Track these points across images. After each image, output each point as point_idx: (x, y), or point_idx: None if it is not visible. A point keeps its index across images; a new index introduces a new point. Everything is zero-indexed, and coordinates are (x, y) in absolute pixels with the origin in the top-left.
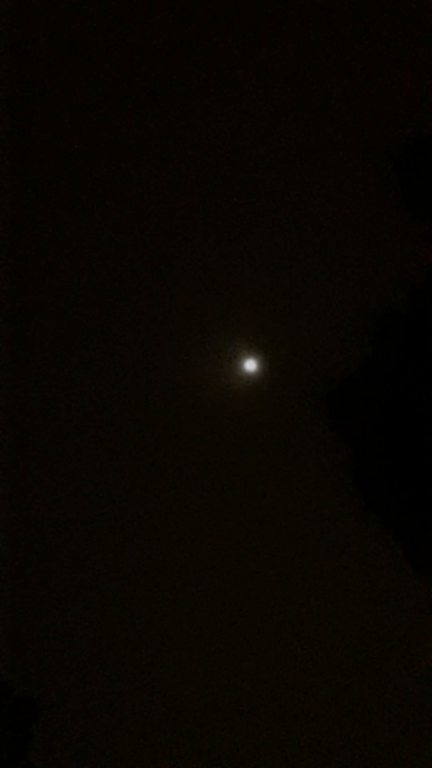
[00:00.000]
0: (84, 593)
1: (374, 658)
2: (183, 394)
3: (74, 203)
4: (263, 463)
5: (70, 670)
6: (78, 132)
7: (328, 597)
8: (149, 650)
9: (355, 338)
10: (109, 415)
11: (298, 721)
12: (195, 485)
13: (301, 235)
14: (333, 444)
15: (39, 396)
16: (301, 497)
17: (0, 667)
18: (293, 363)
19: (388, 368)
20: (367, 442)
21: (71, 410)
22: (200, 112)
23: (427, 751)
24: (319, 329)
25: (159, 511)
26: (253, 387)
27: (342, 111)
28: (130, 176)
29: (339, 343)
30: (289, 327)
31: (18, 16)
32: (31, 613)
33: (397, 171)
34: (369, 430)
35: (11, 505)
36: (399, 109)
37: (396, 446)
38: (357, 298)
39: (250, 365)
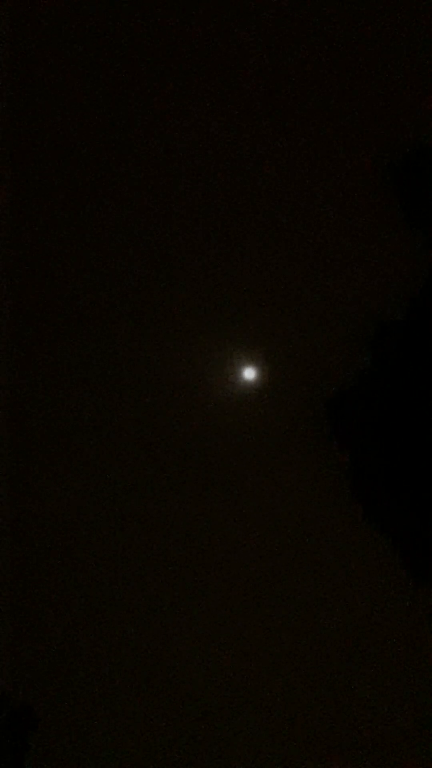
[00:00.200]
0: (83, 601)
1: (372, 667)
2: (181, 399)
3: (74, 205)
4: (261, 470)
5: (68, 679)
6: (78, 132)
7: (326, 605)
8: (150, 658)
9: (355, 346)
10: (108, 418)
11: (300, 729)
12: (194, 491)
13: (300, 242)
14: (331, 451)
15: (39, 398)
16: (300, 504)
17: None
18: (292, 370)
19: (388, 376)
20: (366, 450)
21: (71, 413)
22: (202, 115)
23: (428, 756)
24: (318, 336)
25: (158, 518)
26: (252, 393)
27: (342, 119)
28: (130, 180)
29: (338, 351)
30: (287, 334)
31: (18, 16)
32: (28, 622)
33: (396, 179)
34: (368, 438)
35: (11, 508)
36: (399, 117)
37: (395, 454)
38: (356, 306)
39: (249, 372)
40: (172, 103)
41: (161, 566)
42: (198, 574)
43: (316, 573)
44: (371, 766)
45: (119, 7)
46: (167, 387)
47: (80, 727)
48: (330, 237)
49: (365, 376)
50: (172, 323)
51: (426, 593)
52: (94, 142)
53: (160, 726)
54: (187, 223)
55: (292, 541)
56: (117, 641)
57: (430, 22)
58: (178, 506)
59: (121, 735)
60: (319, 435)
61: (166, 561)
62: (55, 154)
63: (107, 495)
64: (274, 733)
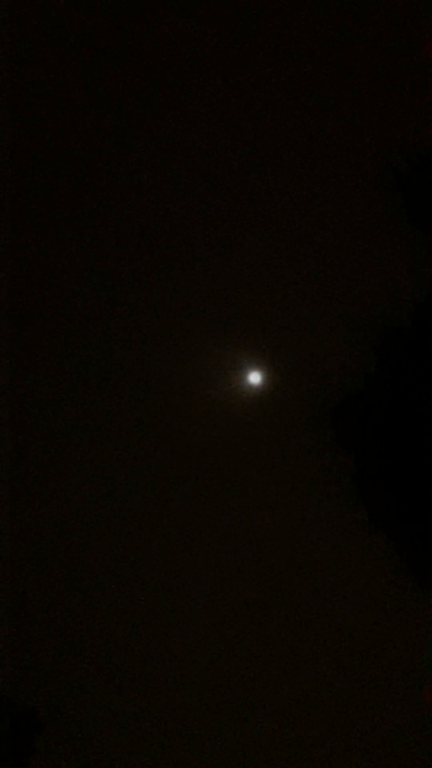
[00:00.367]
0: (86, 606)
1: (375, 672)
2: (185, 405)
3: (75, 207)
4: (266, 476)
5: (72, 683)
6: (78, 133)
7: (330, 610)
8: (152, 661)
9: (359, 351)
10: (109, 423)
11: (300, 735)
12: (197, 496)
13: (304, 248)
14: (336, 457)
15: (40, 403)
16: (305, 510)
17: (1, 681)
18: (297, 376)
19: (392, 380)
20: (371, 456)
21: (72, 417)
22: (203, 118)
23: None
24: (323, 342)
25: (160, 524)
26: (256, 399)
27: (345, 123)
28: (134, 185)
29: (342, 356)
30: (292, 340)
31: (18, 16)
32: (32, 627)
33: (400, 183)
34: (373, 444)
35: (11, 511)
36: (402, 121)
37: (400, 459)
38: (360, 311)
39: (254, 378)
40: (173, 106)
41: (163, 570)
42: (200, 577)
43: (321, 575)
44: (371, 765)
45: (119, 7)
46: (172, 392)
47: (84, 729)
48: (335, 242)
49: (370, 381)
50: (176, 328)
51: (430, 595)
52: (95, 144)
53: (163, 728)
54: (194, 227)
55: (297, 545)
56: (120, 645)
57: None
58: (180, 513)
59: (125, 737)
60: (323, 439)
61: (168, 565)
62: (55, 155)
63: (109, 499)
64: (274, 734)
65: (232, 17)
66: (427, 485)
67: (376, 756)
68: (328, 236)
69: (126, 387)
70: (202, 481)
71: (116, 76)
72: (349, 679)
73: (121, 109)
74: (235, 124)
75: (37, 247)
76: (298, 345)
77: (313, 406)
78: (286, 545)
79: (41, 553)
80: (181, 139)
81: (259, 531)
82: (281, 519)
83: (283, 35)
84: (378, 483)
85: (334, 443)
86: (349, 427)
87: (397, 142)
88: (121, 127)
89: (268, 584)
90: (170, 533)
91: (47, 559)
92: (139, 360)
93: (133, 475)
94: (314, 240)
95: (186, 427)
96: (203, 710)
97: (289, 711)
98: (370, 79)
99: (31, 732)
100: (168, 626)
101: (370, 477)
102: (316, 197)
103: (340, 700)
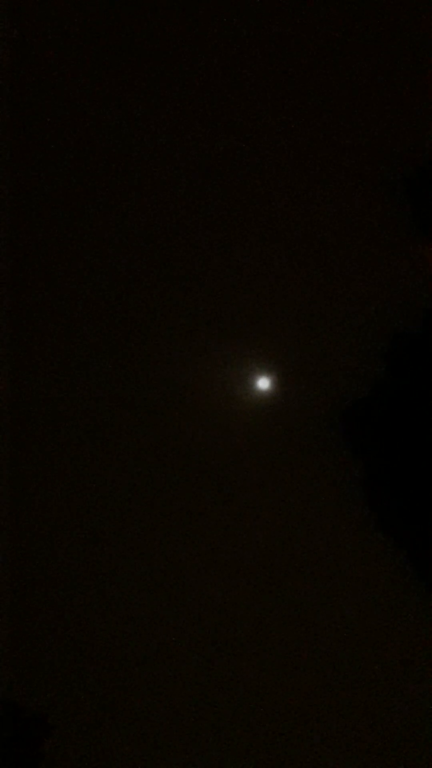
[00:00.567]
0: (94, 609)
1: (385, 679)
2: (194, 410)
3: (76, 208)
4: (276, 481)
5: (81, 688)
6: (78, 133)
7: (339, 615)
8: (155, 663)
9: (369, 357)
10: (117, 429)
11: (301, 736)
12: (206, 502)
13: (315, 254)
14: (347, 462)
15: (41, 405)
16: (314, 515)
17: (7, 687)
18: (308, 381)
19: (403, 386)
20: (380, 461)
21: (74, 420)
22: (203, 121)
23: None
24: (333, 348)
25: (164, 527)
26: (267, 404)
27: (356, 130)
28: (140, 188)
29: (352, 362)
30: (303, 345)
31: (18, 16)
32: (40, 632)
33: (410, 190)
34: (383, 449)
35: (11, 513)
36: (411, 128)
37: (410, 465)
38: (370, 318)
39: (265, 383)
40: (174, 110)
41: (171, 576)
42: (204, 580)
43: (329, 579)
44: (371, 765)
45: (120, 7)
46: (181, 396)
47: (93, 734)
48: (345, 249)
49: (380, 387)
50: (187, 334)
51: None
52: (95, 144)
53: (167, 729)
54: (204, 230)
55: (305, 549)
56: (123, 646)
57: None
58: (188, 513)
59: (134, 742)
60: (334, 445)
61: (171, 568)
62: (55, 155)
63: (110, 501)
64: (274, 733)
65: (235, 18)
66: None
67: (376, 755)
68: (339, 243)
69: (131, 389)
70: (213, 484)
71: (117, 76)
72: (356, 686)
73: (121, 109)
74: (241, 129)
75: (38, 250)
76: (308, 351)
77: (323, 411)
78: (294, 549)
79: (42, 555)
80: (186, 143)
81: (266, 535)
82: (290, 523)
83: (289, 35)
84: (387, 488)
85: (343, 448)
86: (359, 432)
87: (407, 149)
88: (122, 128)
89: (275, 588)
90: (174, 535)
91: (48, 561)
92: (146, 364)
93: (138, 477)
94: (325, 247)
95: (195, 430)
96: (205, 710)
97: (290, 710)
98: (378, 85)
99: (39, 737)
100: (169, 626)
101: (379, 482)
102: (327, 205)
103: (342, 700)
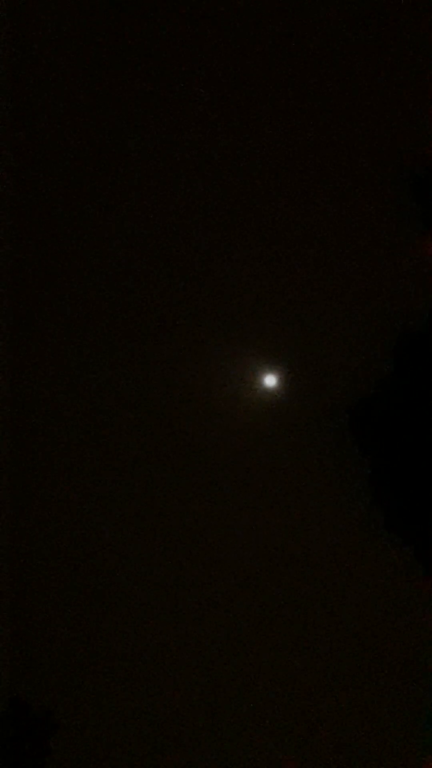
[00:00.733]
0: (98, 605)
1: (389, 675)
2: (198, 408)
3: (76, 208)
4: (281, 478)
5: (87, 684)
6: (78, 133)
7: (344, 612)
8: (160, 659)
9: (376, 354)
10: (116, 426)
11: (301, 734)
12: (210, 499)
13: (320, 252)
14: (353, 460)
15: (41, 404)
16: (320, 513)
17: (12, 683)
18: (313, 379)
19: (410, 384)
20: (388, 458)
21: (75, 418)
22: (204, 120)
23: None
24: (339, 345)
25: (166, 526)
26: (273, 402)
27: (360, 126)
28: (139, 188)
29: (359, 360)
30: (309, 343)
31: (18, 16)
32: (45, 628)
33: (417, 187)
34: (389, 447)
35: (12, 512)
36: (420, 125)
37: (416, 463)
38: (377, 315)
39: (270, 379)
40: (174, 108)
41: (168, 572)
42: (207, 580)
43: (337, 581)
44: (371, 764)
45: (120, 6)
46: (183, 393)
47: (100, 730)
48: (351, 247)
49: (387, 384)
50: (190, 331)
51: None
52: (95, 143)
53: (171, 726)
54: (202, 227)
55: (311, 548)
56: (125, 643)
57: None
58: (192, 511)
59: (139, 738)
60: (339, 442)
61: (173, 567)
62: (56, 156)
63: (111, 501)
64: (274, 733)
65: (236, 16)
66: None
67: (377, 754)
68: (344, 240)
69: (132, 388)
70: (218, 481)
71: (117, 76)
72: (359, 682)
73: (121, 108)
74: (244, 128)
75: (38, 249)
76: (313, 348)
77: (329, 408)
78: (299, 547)
79: (46, 551)
80: (187, 142)
81: (271, 532)
82: (295, 521)
83: (291, 33)
84: (393, 486)
85: (349, 446)
86: (365, 430)
87: (412, 145)
88: (122, 126)
89: (279, 584)
90: (177, 532)
91: (52, 557)
92: (148, 361)
93: (140, 475)
94: (330, 243)
95: (199, 429)
96: (210, 705)
97: (290, 711)
98: (383, 81)
99: (46, 733)
100: (173, 622)
101: (385, 480)
102: (331, 201)
103: (344, 697)
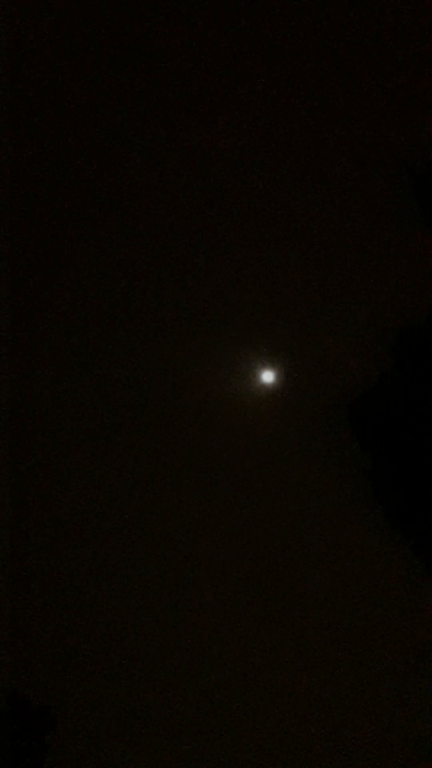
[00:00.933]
0: (99, 604)
1: (390, 669)
2: (199, 404)
3: (76, 208)
4: (283, 474)
5: (84, 680)
6: (79, 134)
7: (345, 607)
8: (159, 657)
9: (376, 350)
10: (119, 422)
11: (301, 734)
12: (212, 495)
13: (322, 249)
14: (353, 455)
15: (42, 403)
16: (321, 508)
17: (11, 680)
18: (314, 375)
19: (409, 379)
20: (387, 452)
21: (76, 416)
22: (205, 119)
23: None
24: (340, 342)
25: (167, 521)
26: (274, 398)
27: (361, 124)
28: (139, 188)
29: (360, 355)
30: (309, 339)
31: (18, 16)
32: (44, 626)
33: (416, 185)
34: (389, 442)
35: (12, 511)
36: (419, 123)
37: (416, 458)
38: (378, 311)
39: (270, 377)
40: (174, 108)
41: (169, 568)
42: (208, 574)
43: (337, 575)
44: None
45: (120, 7)
46: (184, 390)
47: (96, 726)
48: (351, 243)
49: (386, 380)
50: (191, 328)
51: None
52: (96, 144)
53: (169, 724)
54: (203, 226)
55: (313, 542)
56: (126, 641)
57: None
58: (194, 513)
59: (137, 734)
60: (340, 438)
61: (175, 562)
62: (56, 156)
63: (112, 500)
64: (274, 733)
65: (237, 16)
66: None
67: (377, 754)
68: (345, 237)
69: (134, 385)
70: (217, 478)
71: (117, 76)
72: (361, 676)
73: (122, 108)
74: (244, 128)
75: (38, 249)
76: (314, 344)
77: (330, 404)
78: (300, 541)
79: (46, 548)
80: (187, 142)
81: (272, 527)
82: (296, 516)
83: (292, 33)
84: (393, 481)
85: (349, 441)
86: (365, 425)
87: (414, 144)
88: (122, 126)
89: (280, 579)
90: (179, 529)
91: (51, 554)
92: (149, 359)
93: (142, 471)
94: (331, 240)
95: (200, 425)
96: (206, 703)
97: (291, 711)
98: (383, 79)
99: (44, 729)
100: (172, 620)
101: (385, 475)
102: (333, 199)
103: (346, 692)
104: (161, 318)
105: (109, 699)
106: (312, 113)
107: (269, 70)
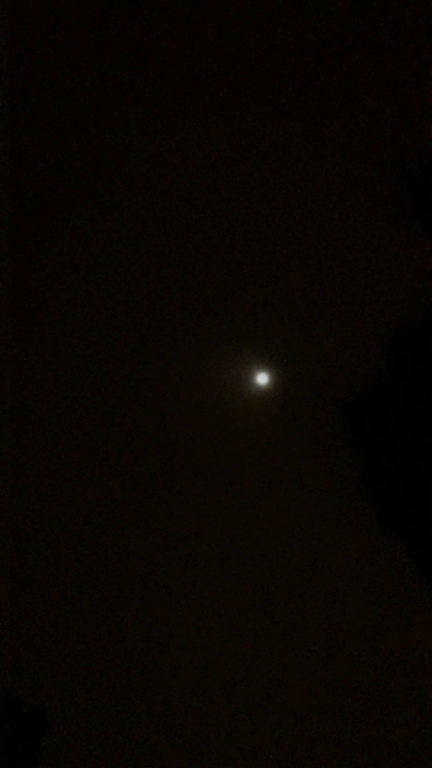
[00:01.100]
0: (94, 607)
1: (380, 673)
2: (195, 407)
3: (76, 207)
4: (277, 475)
5: (79, 683)
6: (79, 134)
7: (340, 611)
8: (155, 660)
9: (371, 352)
10: (115, 424)
11: (301, 734)
12: (207, 497)
13: (317, 250)
14: (348, 457)
15: (40, 405)
16: (315, 509)
17: (6, 682)
18: (309, 376)
19: (404, 380)
20: (381, 455)
21: (74, 417)
22: (205, 119)
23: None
24: (335, 343)
25: (164, 523)
26: (269, 400)
27: (356, 127)
28: (139, 187)
29: (355, 357)
30: (304, 340)
31: (18, 16)
32: (40, 628)
33: (411, 186)
34: (384, 443)
35: (12, 511)
36: (413, 124)
37: (411, 459)
38: (372, 312)
39: (265, 378)
40: (175, 107)
41: (166, 570)
42: (204, 575)
43: (329, 574)
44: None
45: (120, 8)
46: (182, 394)
47: (91, 729)
48: (347, 244)
49: (381, 381)
50: (187, 330)
51: None
52: (96, 144)
53: (169, 727)
54: (201, 226)
55: (305, 543)
56: (123, 643)
57: None
58: (190, 515)
59: (130, 736)
60: (335, 439)
61: (171, 564)
62: (56, 156)
63: (111, 500)
64: (275, 733)
65: (237, 16)
66: None
67: (377, 754)
68: (340, 238)
69: (130, 386)
70: (212, 480)
71: (118, 77)
72: (356, 679)
73: (122, 107)
74: (244, 128)
75: (38, 248)
76: (309, 345)
77: (324, 405)
78: (295, 543)
79: (42, 552)
80: (187, 141)
81: (268, 529)
82: (291, 518)
83: (292, 33)
84: (388, 482)
85: (344, 443)
86: (360, 426)
87: (408, 145)
88: (123, 125)
89: (276, 582)
90: (175, 531)
91: (48, 558)
92: (145, 360)
93: (138, 473)
94: (326, 242)
95: (195, 426)
96: (204, 705)
97: (291, 711)
98: (380, 80)
99: (38, 731)
100: (169, 622)
101: (380, 476)
102: (329, 201)
103: (343, 695)
104: (159, 319)
105: (105, 702)
106: (311, 114)
107: (269, 70)
